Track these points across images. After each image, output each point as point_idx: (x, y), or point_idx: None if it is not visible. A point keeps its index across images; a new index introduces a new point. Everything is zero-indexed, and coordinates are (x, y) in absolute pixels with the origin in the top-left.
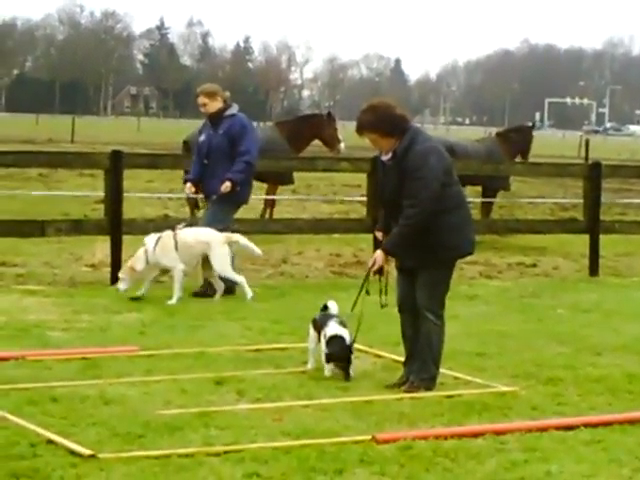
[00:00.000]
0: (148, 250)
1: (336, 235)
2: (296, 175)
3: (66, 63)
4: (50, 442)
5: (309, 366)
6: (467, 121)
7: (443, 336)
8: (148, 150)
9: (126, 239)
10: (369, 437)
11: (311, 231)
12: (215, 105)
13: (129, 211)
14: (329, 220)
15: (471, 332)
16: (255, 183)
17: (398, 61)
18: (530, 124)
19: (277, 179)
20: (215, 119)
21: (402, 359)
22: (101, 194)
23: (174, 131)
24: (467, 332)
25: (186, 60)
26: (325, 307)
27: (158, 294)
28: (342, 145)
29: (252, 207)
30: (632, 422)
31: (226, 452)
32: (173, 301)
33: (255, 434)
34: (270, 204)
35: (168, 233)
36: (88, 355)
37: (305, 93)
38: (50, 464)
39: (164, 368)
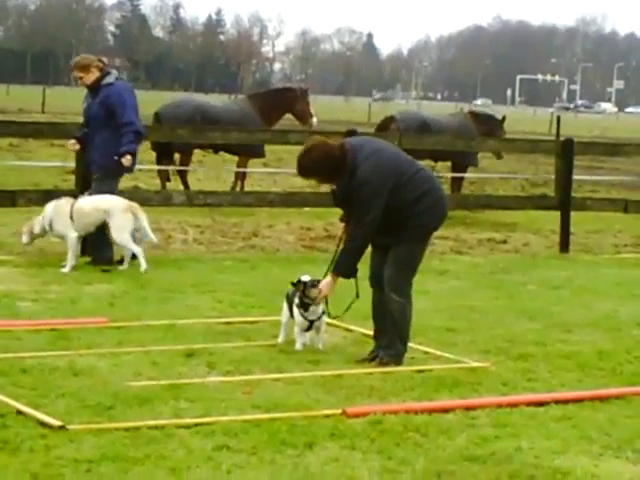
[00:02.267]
0: (45, 214)
1: (307, 209)
2: (267, 148)
3: (37, 33)
4: (19, 413)
5: (280, 339)
6: (439, 96)
7: (409, 312)
8: None
9: None
10: (339, 411)
11: (282, 204)
12: (91, 77)
13: None
14: (300, 193)
15: (441, 307)
16: (226, 156)
17: (370, 36)
18: (501, 118)
19: (248, 152)
20: (93, 89)
21: (372, 333)
22: (72, 164)
23: (145, 102)
24: (437, 307)
25: (158, 32)
26: (298, 281)
27: (128, 265)
28: (314, 120)
29: (223, 180)
30: (602, 399)
31: (196, 425)
32: (66, 269)
33: (225, 407)
34: (241, 177)
35: (67, 199)
36: (58, 326)
37: (277, 66)
38: (19, 435)
39: (134, 340)
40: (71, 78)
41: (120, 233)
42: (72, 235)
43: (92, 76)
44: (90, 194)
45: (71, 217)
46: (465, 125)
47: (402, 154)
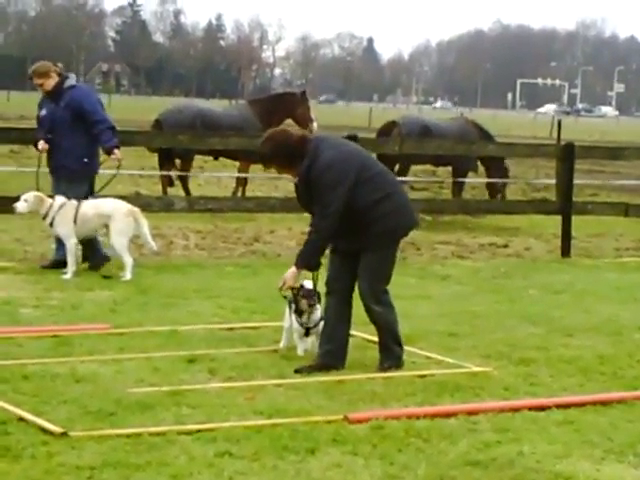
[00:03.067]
0: (53, 208)
1: (307, 214)
2: None
3: (37, 39)
4: (21, 420)
5: (282, 345)
6: (439, 101)
7: (393, 316)
8: (120, 127)
9: None
10: (341, 417)
11: (283, 210)
12: (51, 82)
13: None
14: None
15: (443, 312)
16: (227, 161)
17: (370, 40)
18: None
19: (249, 157)
20: (55, 94)
21: (374, 338)
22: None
23: (146, 108)
24: (439, 312)
25: (158, 37)
26: (301, 287)
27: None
28: (315, 125)
29: (224, 185)
30: (604, 403)
31: (198, 431)
32: (68, 276)
33: (227, 413)
34: (242, 182)
35: (72, 203)
36: (59, 333)
37: (277, 71)
38: (21, 442)
39: (136, 346)
40: None
41: (119, 237)
42: (72, 241)
43: (52, 81)
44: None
45: (75, 221)
46: (465, 130)
47: (368, 154)
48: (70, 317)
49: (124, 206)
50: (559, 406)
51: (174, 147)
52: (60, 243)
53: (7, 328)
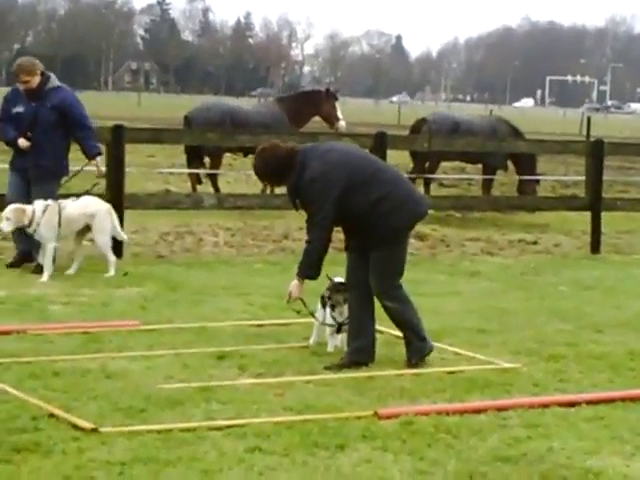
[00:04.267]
0: (35, 214)
1: None
2: None
3: (67, 38)
4: (52, 416)
5: (312, 341)
6: (468, 98)
7: (409, 310)
8: (149, 125)
9: (128, 213)
10: (371, 412)
11: None
12: (36, 80)
13: (130, 186)
14: None
15: (473, 308)
16: None
17: (399, 38)
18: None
19: None
20: (37, 93)
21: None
22: (102, 168)
23: (175, 106)
24: (469, 308)
25: (187, 36)
26: (332, 281)
27: (159, 269)
28: (342, 123)
29: (254, 182)
30: (634, 399)
31: (228, 427)
32: (44, 279)
33: (257, 409)
34: None
35: (54, 206)
36: (89, 329)
37: (306, 69)
38: (52, 438)
39: (166, 343)
40: (101, 82)
41: (103, 236)
42: (52, 245)
43: (37, 79)
44: (35, 198)
45: (59, 224)
46: (496, 127)
47: (360, 154)
48: (100, 314)
49: (104, 204)
50: (589, 402)
51: (203, 144)
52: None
53: (38, 325)
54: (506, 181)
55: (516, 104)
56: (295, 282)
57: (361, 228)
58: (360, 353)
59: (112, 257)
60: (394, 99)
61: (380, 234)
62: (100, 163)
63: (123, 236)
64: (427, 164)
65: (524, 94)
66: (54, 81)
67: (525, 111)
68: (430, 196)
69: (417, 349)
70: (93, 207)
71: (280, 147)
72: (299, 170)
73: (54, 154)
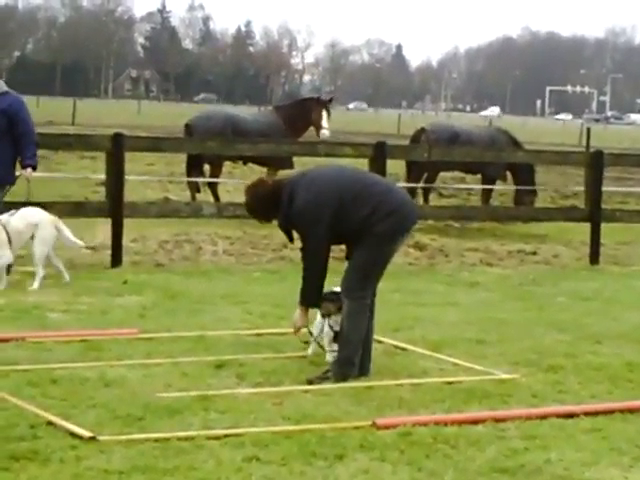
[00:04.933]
0: None
1: None
2: (297, 160)
3: (67, 45)
4: (50, 424)
5: (310, 351)
6: (468, 108)
7: (361, 320)
8: (149, 133)
9: (127, 222)
10: (369, 423)
11: None
12: None
13: (130, 194)
14: None
15: (471, 319)
16: (255, 167)
17: (399, 47)
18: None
19: (277, 164)
20: None
21: (402, 345)
22: (102, 176)
23: (175, 114)
24: (467, 319)
25: (187, 44)
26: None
27: (158, 277)
28: (325, 131)
29: None
30: (632, 411)
31: (226, 436)
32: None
33: (255, 418)
34: None
35: (1, 222)
36: (88, 337)
37: (306, 78)
38: (50, 446)
39: (164, 351)
40: (101, 90)
41: (42, 246)
42: (4, 261)
43: None
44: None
45: (9, 241)
46: (495, 137)
47: (346, 174)
48: (99, 322)
49: (48, 215)
50: (587, 413)
51: (203, 153)
52: None
53: (36, 332)
54: (505, 191)
55: (482, 113)
56: (298, 311)
57: (356, 238)
58: (348, 364)
59: (42, 271)
60: (350, 106)
61: (368, 237)
62: (29, 175)
63: (80, 243)
64: (425, 174)
65: (524, 104)
66: (2, 86)
67: (525, 121)
68: (429, 206)
69: (336, 370)
70: (37, 217)
71: (266, 182)
72: (287, 202)
73: (2, 161)
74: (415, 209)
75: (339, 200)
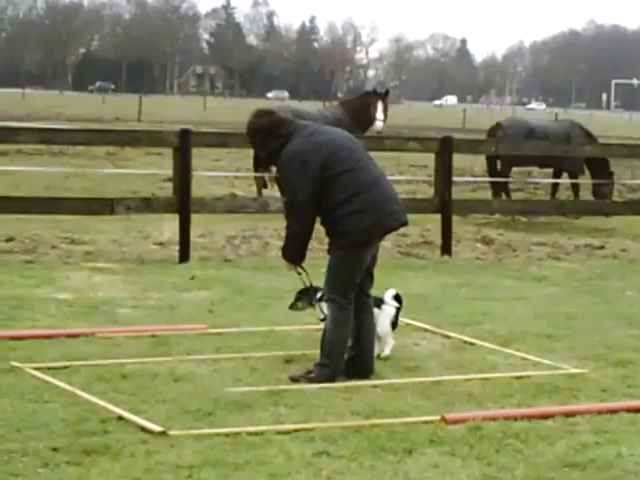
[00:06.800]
0: None
1: None
2: None
3: (132, 42)
4: (120, 419)
5: (386, 351)
6: (533, 102)
7: (340, 326)
8: (216, 129)
9: (194, 217)
10: (438, 417)
11: None
12: None
13: (197, 189)
14: None
15: (540, 314)
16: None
17: (464, 41)
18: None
19: None
20: None
21: (471, 340)
22: (169, 172)
23: (240, 110)
24: (535, 314)
25: (252, 40)
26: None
27: (226, 272)
28: (379, 123)
29: None
30: None
31: (296, 430)
32: None
33: (324, 413)
34: None
35: None
36: (158, 332)
37: (371, 73)
38: (121, 440)
39: (233, 346)
40: (166, 86)
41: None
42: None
43: None
44: None
45: None
46: (570, 132)
47: (348, 146)
48: (168, 317)
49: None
50: None
51: None
52: None
53: (106, 328)
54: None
55: (436, 102)
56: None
57: (326, 223)
58: (330, 366)
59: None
60: (269, 95)
61: (335, 235)
62: None
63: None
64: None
65: (590, 98)
66: None
67: (591, 114)
68: (497, 200)
69: (318, 372)
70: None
71: (275, 113)
72: (283, 141)
73: None
74: (398, 211)
75: (322, 169)
